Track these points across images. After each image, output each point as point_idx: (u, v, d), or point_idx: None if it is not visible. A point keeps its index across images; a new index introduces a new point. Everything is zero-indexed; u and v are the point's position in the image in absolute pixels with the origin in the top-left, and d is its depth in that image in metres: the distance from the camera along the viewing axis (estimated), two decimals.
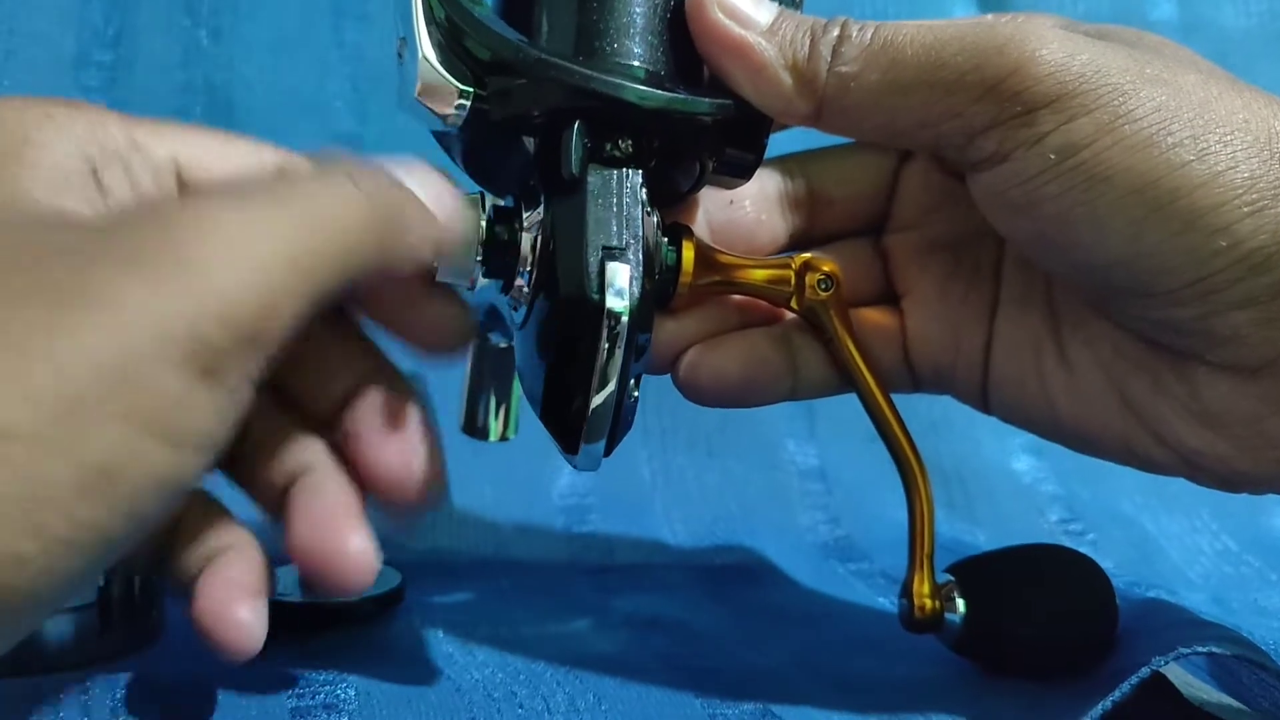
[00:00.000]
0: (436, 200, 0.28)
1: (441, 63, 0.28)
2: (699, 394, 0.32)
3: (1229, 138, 0.26)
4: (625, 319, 0.27)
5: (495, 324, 0.31)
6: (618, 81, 0.28)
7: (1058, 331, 0.32)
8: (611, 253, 0.27)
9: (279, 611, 0.37)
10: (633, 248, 0.28)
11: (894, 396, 0.33)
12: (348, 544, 0.27)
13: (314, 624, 0.37)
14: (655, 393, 0.55)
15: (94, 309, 0.20)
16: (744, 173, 0.31)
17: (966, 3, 0.63)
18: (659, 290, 0.30)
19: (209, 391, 0.22)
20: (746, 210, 0.33)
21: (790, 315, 0.33)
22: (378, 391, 0.29)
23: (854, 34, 0.28)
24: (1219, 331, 0.27)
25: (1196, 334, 0.28)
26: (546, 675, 0.33)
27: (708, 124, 0.29)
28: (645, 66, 0.29)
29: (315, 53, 0.54)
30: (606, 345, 0.27)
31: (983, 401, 0.34)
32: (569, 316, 0.28)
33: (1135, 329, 0.30)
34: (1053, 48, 0.27)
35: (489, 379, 0.31)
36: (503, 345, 0.31)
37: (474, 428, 0.31)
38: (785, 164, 0.34)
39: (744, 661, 0.35)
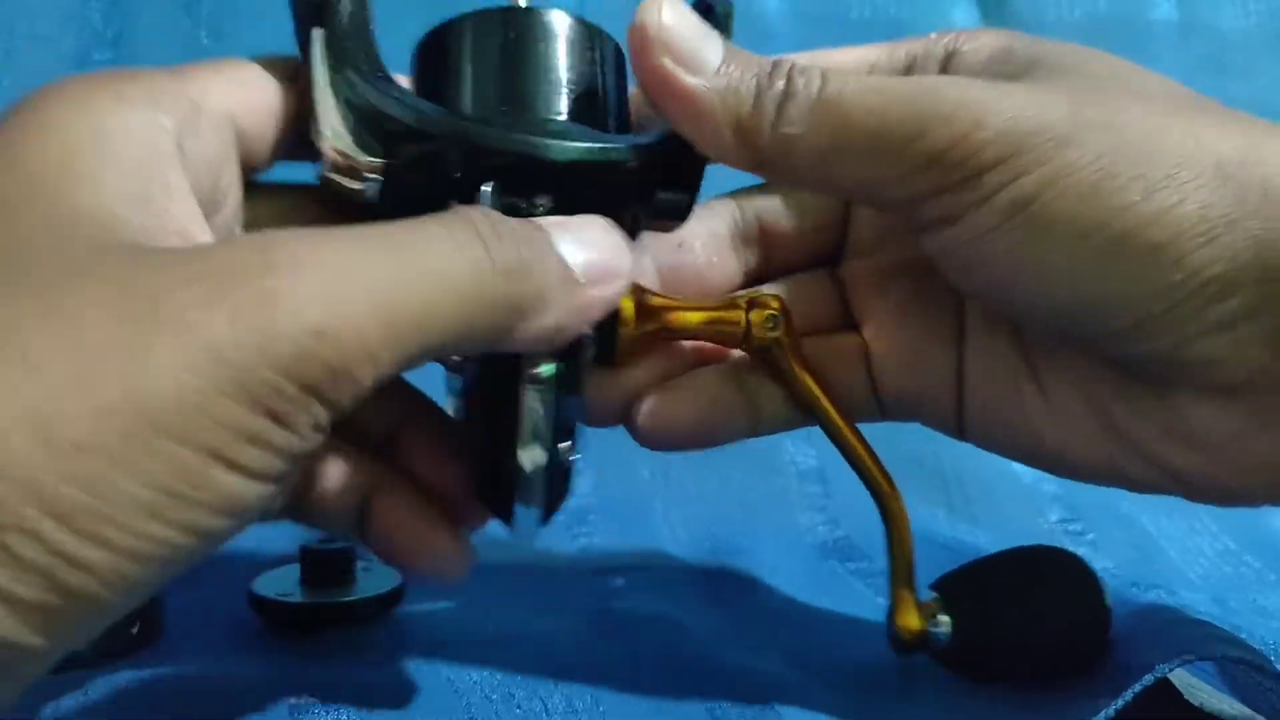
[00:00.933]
0: (605, 267, 0.26)
1: (351, 136, 0.27)
2: (653, 442, 0.32)
3: (1175, 171, 0.25)
4: (549, 381, 0.26)
5: None
6: (526, 138, 0.27)
7: (1030, 359, 0.31)
8: None
9: (279, 611, 0.37)
10: None
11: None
12: (441, 541, 0.30)
13: (314, 624, 0.37)
14: None
15: (173, 336, 0.20)
16: (679, 215, 0.30)
17: (967, 3, 0.63)
18: (599, 344, 0.30)
19: (280, 432, 0.21)
20: (696, 253, 0.33)
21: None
22: (423, 423, 0.30)
23: (800, 88, 0.27)
24: (1191, 359, 0.27)
25: (1170, 362, 0.27)
26: (545, 676, 0.33)
27: (633, 170, 0.28)
28: (566, 118, 0.28)
29: None
30: (531, 409, 0.26)
31: (958, 429, 0.33)
32: (494, 382, 0.27)
33: (1111, 359, 0.29)
34: (996, 111, 0.26)
35: None
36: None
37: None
38: (736, 199, 0.34)
39: (743, 662, 0.35)
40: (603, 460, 0.53)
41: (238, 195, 0.28)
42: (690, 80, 0.27)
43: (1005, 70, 0.29)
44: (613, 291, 0.26)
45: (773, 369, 0.32)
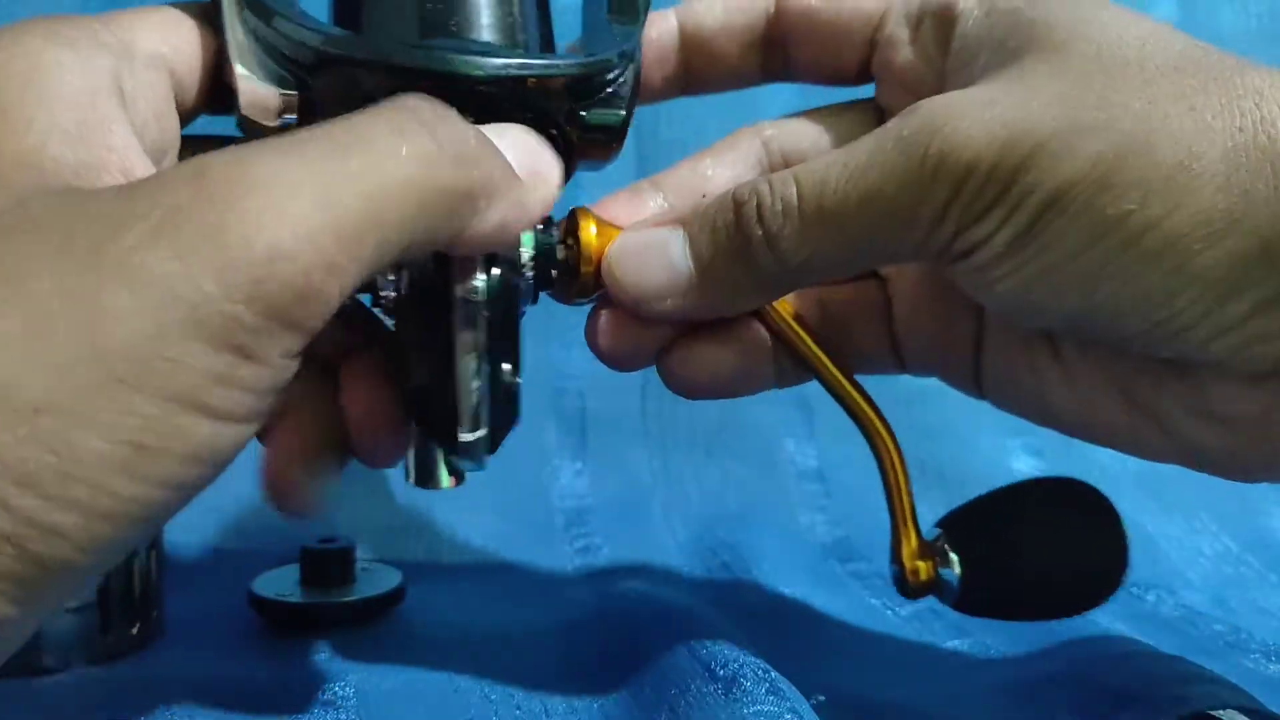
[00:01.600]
0: (531, 168, 0.25)
1: (261, 70, 0.27)
2: (684, 389, 0.32)
3: (1174, 174, 0.25)
4: (480, 296, 0.26)
5: None
6: (446, 55, 0.26)
7: (1049, 335, 0.31)
8: None
9: (279, 611, 0.37)
10: None
11: (875, 382, 0.33)
12: (302, 482, 0.28)
13: (314, 624, 0.38)
14: (654, 394, 0.54)
15: (123, 282, 0.19)
16: (611, 137, 0.29)
17: None
18: (541, 272, 0.29)
19: (249, 367, 0.20)
20: None
21: None
22: (366, 354, 0.29)
23: (778, 223, 0.27)
24: (1207, 359, 0.27)
25: (1186, 359, 0.27)
26: (544, 676, 0.33)
27: (557, 88, 0.28)
28: (487, 41, 0.28)
29: None
30: (463, 328, 0.26)
31: (976, 388, 0.33)
32: (425, 308, 0.27)
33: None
34: (983, 141, 0.25)
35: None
36: None
37: (425, 478, 0.30)
38: (762, 135, 0.33)
39: (743, 662, 0.35)
40: (603, 460, 0.53)
41: (178, 145, 0.27)
42: (682, 301, 0.29)
43: (1004, 48, 0.28)
44: (547, 192, 0.26)
45: (761, 320, 0.31)
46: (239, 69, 0.27)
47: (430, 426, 0.28)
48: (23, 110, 0.22)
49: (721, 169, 0.32)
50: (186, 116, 0.27)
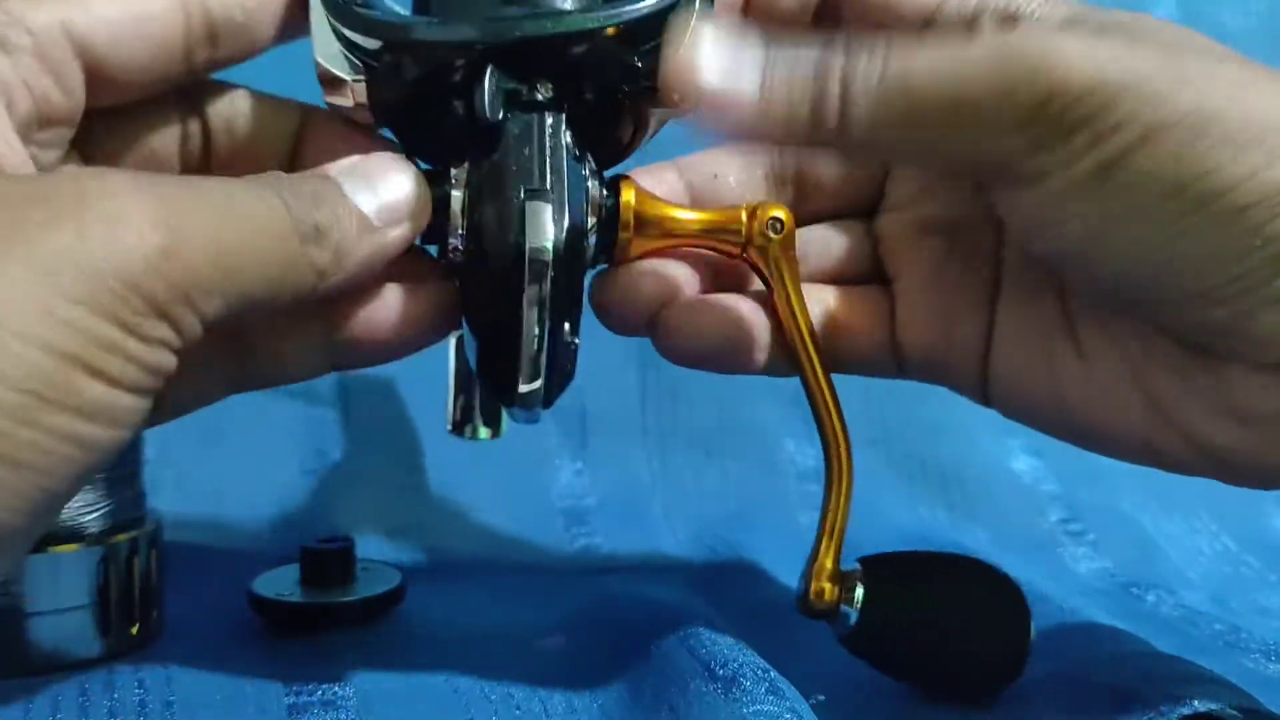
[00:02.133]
0: (389, 207, 0.27)
1: (340, 56, 0.28)
2: (674, 353, 0.31)
3: (1264, 135, 0.25)
4: (547, 256, 0.27)
5: None
6: (513, 16, 0.28)
7: (1072, 322, 0.30)
8: (533, 194, 0.27)
9: (279, 611, 0.37)
10: (557, 188, 0.27)
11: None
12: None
13: (314, 624, 0.38)
14: (654, 394, 0.55)
15: (20, 247, 0.21)
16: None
17: None
18: (601, 240, 0.30)
19: (134, 341, 0.22)
20: (731, 186, 0.33)
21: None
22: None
23: (859, 83, 0.26)
24: (1252, 332, 0.26)
25: (1230, 334, 0.27)
26: (544, 677, 0.33)
27: (615, 37, 0.28)
28: (562, 7, 0.28)
29: None
30: (530, 284, 0.27)
31: (981, 393, 0.32)
32: (495, 263, 0.27)
33: (1166, 330, 0.29)
34: (1082, 64, 0.25)
35: (474, 377, 0.31)
36: None
37: (462, 428, 0.31)
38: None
39: (744, 662, 0.35)
40: (603, 460, 0.53)
41: (78, 115, 0.27)
42: (743, 111, 0.27)
43: (1084, 30, 0.28)
44: (411, 227, 0.27)
45: (761, 278, 0.31)
46: (316, 57, 0.28)
47: (490, 374, 0.28)
48: None
49: (733, 155, 0.33)
50: (150, 72, 0.28)
